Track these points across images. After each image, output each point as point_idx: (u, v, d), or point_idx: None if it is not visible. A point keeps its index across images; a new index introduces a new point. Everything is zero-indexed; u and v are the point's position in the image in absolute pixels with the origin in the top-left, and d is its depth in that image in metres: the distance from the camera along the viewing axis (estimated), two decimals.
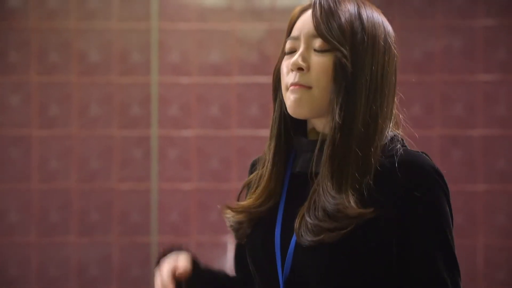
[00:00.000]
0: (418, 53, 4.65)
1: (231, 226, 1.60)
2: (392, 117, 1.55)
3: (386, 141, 1.51)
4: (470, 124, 4.63)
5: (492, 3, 4.64)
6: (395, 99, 1.56)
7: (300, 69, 1.50)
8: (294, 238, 1.48)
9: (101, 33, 4.68)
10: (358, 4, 1.53)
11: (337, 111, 1.46)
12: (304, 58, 1.51)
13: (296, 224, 1.47)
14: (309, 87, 1.49)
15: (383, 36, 1.53)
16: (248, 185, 1.64)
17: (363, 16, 1.51)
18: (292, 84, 1.50)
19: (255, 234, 1.57)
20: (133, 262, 4.64)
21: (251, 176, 1.65)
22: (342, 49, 1.47)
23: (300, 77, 1.50)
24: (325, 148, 1.48)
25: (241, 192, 1.64)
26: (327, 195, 1.44)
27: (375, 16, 1.54)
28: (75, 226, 4.65)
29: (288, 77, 1.52)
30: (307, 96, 1.50)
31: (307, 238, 1.44)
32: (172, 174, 4.65)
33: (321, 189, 1.46)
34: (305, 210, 1.47)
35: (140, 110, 4.67)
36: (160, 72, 4.67)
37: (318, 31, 1.49)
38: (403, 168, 1.46)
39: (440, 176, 1.52)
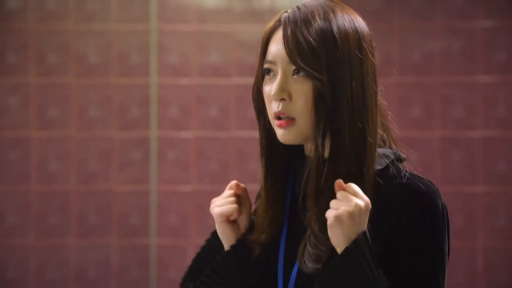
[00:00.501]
0: (417, 55, 4.64)
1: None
2: (378, 127, 1.51)
3: (385, 162, 1.49)
4: (470, 126, 4.63)
5: (491, 5, 4.64)
6: (378, 104, 1.52)
7: (282, 99, 1.48)
8: (296, 264, 1.48)
9: (100, 35, 4.68)
10: (328, 16, 1.48)
11: (319, 141, 1.46)
12: (283, 87, 1.48)
13: (300, 251, 1.46)
14: (293, 119, 1.48)
15: (357, 43, 1.48)
16: (255, 213, 1.62)
17: (335, 30, 1.46)
18: (276, 114, 1.49)
19: (259, 258, 1.55)
20: (132, 264, 4.64)
21: (258, 203, 1.63)
22: (319, 76, 1.45)
23: (283, 107, 1.48)
24: (309, 183, 1.47)
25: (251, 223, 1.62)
26: (317, 232, 1.44)
27: (346, 24, 1.49)
28: (74, 228, 4.65)
29: (272, 105, 1.50)
30: (294, 129, 1.48)
31: (309, 265, 1.44)
32: (171, 176, 4.65)
33: (310, 221, 1.45)
34: (307, 238, 1.46)
35: (139, 111, 4.67)
36: (159, 74, 4.67)
37: (292, 61, 1.46)
38: (409, 196, 1.45)
39: (446, 213, 1.49)
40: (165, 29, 4.68)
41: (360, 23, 1.51)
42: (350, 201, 1.37)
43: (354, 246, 1.36)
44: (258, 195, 1.63)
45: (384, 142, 1.53)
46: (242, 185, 1.58)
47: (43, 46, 4.67)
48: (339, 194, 1.39)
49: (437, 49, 4.65)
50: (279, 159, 1.57)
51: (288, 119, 1.48)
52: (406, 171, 1.49)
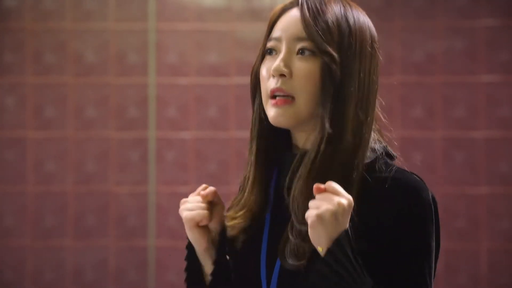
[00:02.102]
0: (419, 54, 4.65)
1: (227, 237, 1.57)
2: (373, 127, 1.50)
3: (374, 156, 1.48)
4: (472, 126, 4.63)
5: (494, 3, 4.64)
6: (376, 103, 1.51)
7: (282, 75, 1.45)
8: (278, 261, 1.46)
9: (97, 34, 4.68)
10: (344, 6, 1.48)
11: (327, 121, 1.43)
12: (287, 63, 1.46)
13: (280, 247, 1.45)
14: (292, 98, 1.45)
15: (370, 41, 1.49)
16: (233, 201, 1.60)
17: (350, 19, 1.47)
18: (273, 90, 1.46)
19: (243, 251, 1.54)
20: (130, 266, 4.64)
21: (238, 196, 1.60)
22: (332, 52, 1.43)
23: (282, 83, 1.45)
24: (303, 163, 1.45)
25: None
26: (300, 224, 1.41)
27: (361, 19, 1.49)
28: (71, 230, 4.65)
29: (269, 83, 1.47)
30: (291, 110, 1.45)
31: (290, 261, 1.42)
32: (169, 177, 4.65)
33: (296, 208, 1.43)
34: (289, 229, 1.44)
35: (137, 111, 4.67)
36: (158, 73, 4.67)
37: (308, 33, 1.44)
38: (396, 190, 1.43)
39: (435, 207, 1.46)
40: (163, 28, 4.68)
41: (371, 24, 1.52)
42: (332, 200, 1.34)
43: (338, 246, 1.34)
44: (241, 188, 1.60)
45: (375, 142, 1.51)
46: (212, 188, 1.55)
47: (40, 45, 4.67)
48: (319, 196, 1.36)
49: (439, 49, 4.65)
50: (268, 146, 1.54)
51: (285, 98, 1.45)
52: (394, 166, 1.48)
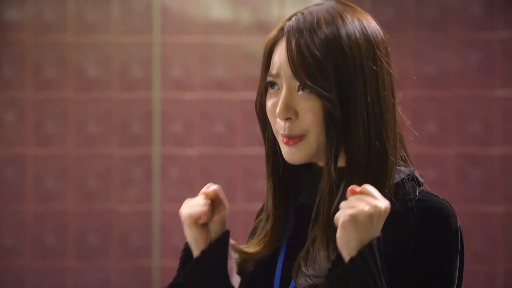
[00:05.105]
0: (432, 68, 4.65)
1: (235, 260, 1.55)
2: (398, 144, 1.46)
3: (399, 178, 1.44)
4: (488, 142, 4.63)
5: (509, 15, 4.64)
6: (396, 118, 1.46)
7: (288, 118, 1.43)
8: (293, 283, 1.42)
9: (100, 47, 4.69)
10: (336, 23, 1.41)
11: (332, 166, 1.40)
12: (288, 105, 1.42)
13: (294, 271, 1.41)
14: (303, 135, 1.42)
15: (370, 53, 1.41)
16: (255, 229, 1.58)
17: (344, 39, 1.40)
18: (283, 136, 1.43)
19: (255, 274, 1.52)
20: None
21: (256, 221, 1.59)
22: (327, 95, 1.38)
23: (290, 127, 1.42)
24: (321, 200, 1.42)
25: (249, 237, 1.59)
26: (323, 253, 1.38)
27: (357, 30, 1.42)
28: (72, 250, 4.65)
29: (277, 125, 1.45)
30: (302, 145, 1.43)
31: (304, 284, 1.39)
32: (174, 195, 4.65)
33: (317, 242, 1.40)
34: (302, 259, 1.41)
35: (141, 127, 4.68)
36: (162, 88, 4.68)
37: (298, 78, 1.40)
38: (422, 213, 1.39)
39: (461, 237, 1.44)
40: (168, 41, 4.69)
41: (373, 28, 1.44)
42: (369, 201, 1.29)
43: (369, 252, 1.28)
44: (261, 211, 1.59)
45: (401, 159, 1.47)
46: (216, 187, 1.52)
47: (41, 59, 4.68)
48: (353, 197, 1.31)
49: (453, 62, 4.65)
50: (286, 175, 1.52)
51: (296, 136, 1.43)
52: (422, 189, 1.44)
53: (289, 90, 1.43)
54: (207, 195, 1.51)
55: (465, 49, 4.66)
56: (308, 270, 1.39)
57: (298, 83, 1.42)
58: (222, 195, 1.53)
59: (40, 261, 4.66)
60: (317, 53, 1.39)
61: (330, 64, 1.39)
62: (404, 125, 1.52)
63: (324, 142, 1.41)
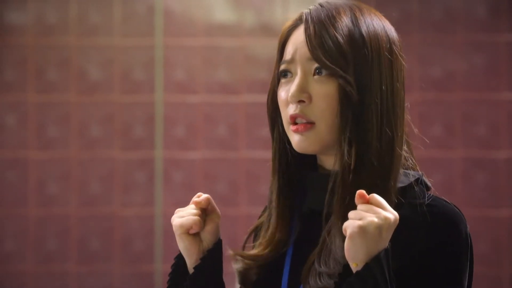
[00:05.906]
0: (438, 70, 4.64)
1: (237, 269, 1.54)
2: (404, 140, 1.46)
3: (408, 181, 1.43)
4: (494, 145, 4.63)
5: None
6: (405, 116, 1.47)
7: (301, 101, 1.42)
8: (301, 287, 1.42)
9: (102, 50, 4.69)
10: (354, 13, 1.44)
11: (345, 148, 1.39)
12: (303, 88, 1.42)
13: (304, 273, 1.41)
14: (312, 123, 1.42)
15: (388, 46, 1.44)
16: (255, 230, 1.58)
17: (363, 28, 1.42)
18: (292, 116, 1.43)
19: (260, 281, 1.51)
20: None
21: (259, 220, 1.59)
22: (345, 75, 1.39)
23: (302, 109, 1.42)
24: (336, 188, 1.40)
25: (247, 238, 1.58)
26: (339, 242, 1.37)
27: (375, 23, 1.45)
28: (74, 254, 4.65)
29: (288, 109, 1.44)
30: (312, 134, 1.42)
31: (314, 286, 1.38)
32: (177, 199, 4.65)
33: (332, 235, 1.38)
34: (316, 256, 1.40)
35: (143, 130, 4.68)
36: (165, 91, 4.68)
37: (315, 57, 1.41)
38: (432, 218, 1.39)
39: (470, 242, 1.43)
40: (171, 44, 4.69)
41: (388, 24, 1.48)
42: (378, 212, 1.28)
43: (376, 264, 1.28)
44: (264, 211, 1.58)
45: (406, 160, 1.47)
46: (206, 196, 1.52)
47: (43, 61, 4.68)
48: (361, 206, 1.30)
49: (458, 64, 4.65)
50: (292, 175, 1.51)
51: (306, 123, 1.42)
52: (431, 194, 1.44)
53: (304, 74, 1.43)
54: (198, 204, 1.51)
55: (470, 52, 4.66)
56: (321, 267, 1.38)
57: (314, 66, 1.42)
58: (213, 204, 1.52)
59: (42, 266, 4.65)
60: (337, 36, 1.40)
61: (349, 48, 1.40)
62: (410, 130, 1.52)
63: (338, 128, 1.41)
